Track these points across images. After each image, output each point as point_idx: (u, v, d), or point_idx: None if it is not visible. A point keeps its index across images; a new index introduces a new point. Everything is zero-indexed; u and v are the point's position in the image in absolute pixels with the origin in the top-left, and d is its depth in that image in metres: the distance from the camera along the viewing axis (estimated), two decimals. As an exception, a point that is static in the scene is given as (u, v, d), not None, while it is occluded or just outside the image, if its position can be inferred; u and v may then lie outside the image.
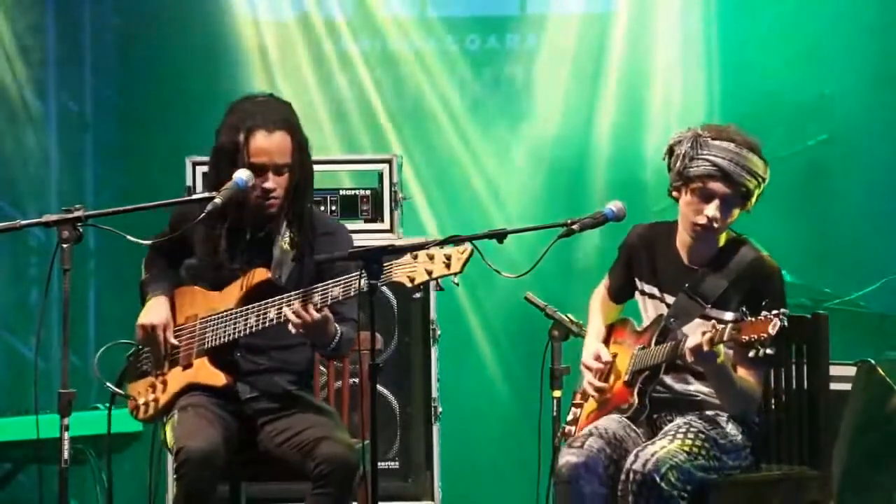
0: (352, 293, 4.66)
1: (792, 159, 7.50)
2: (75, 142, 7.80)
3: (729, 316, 4.69)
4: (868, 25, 7.50)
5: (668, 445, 4.62)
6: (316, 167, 6.33)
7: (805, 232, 7.35)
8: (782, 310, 4.42)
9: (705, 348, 4.53)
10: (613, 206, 4.70)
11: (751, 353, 4.47)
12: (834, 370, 5.22)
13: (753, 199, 4.73)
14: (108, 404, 4.99)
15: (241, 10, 7.91)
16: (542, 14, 7.92)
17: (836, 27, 7.49)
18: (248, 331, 4.80)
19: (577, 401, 5.04)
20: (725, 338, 4.48)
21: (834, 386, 5.22)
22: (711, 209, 4.69)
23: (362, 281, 4.49)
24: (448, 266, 4.47)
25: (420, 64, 7.91)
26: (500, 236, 4.57)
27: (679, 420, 4.77)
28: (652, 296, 4.88)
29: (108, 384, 4.95)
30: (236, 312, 4.83)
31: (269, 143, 4.85)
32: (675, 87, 7.80)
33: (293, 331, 4.71)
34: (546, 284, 6.72)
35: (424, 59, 7.91)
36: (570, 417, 5.03)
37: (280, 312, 4.74)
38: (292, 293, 4.75)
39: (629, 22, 7.83)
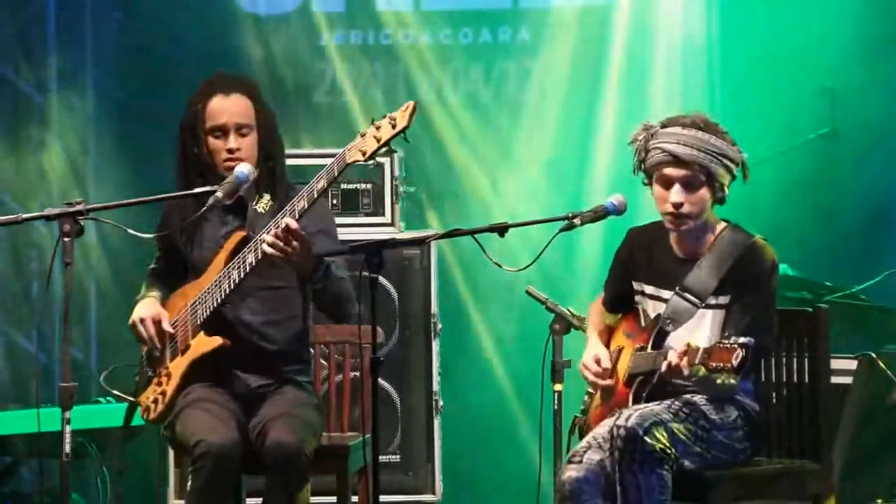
0: (315, 196, 4.65)
1: (793, 153, 7.49)
2: (76, 134, 7.79)
3: (724, 300, 4.70)
4: (870, 17, 7.49)
5: (653, 407, 4.65)
6: (316, 161, 6.37)
7: (806, 225, 7.34)
8: (748, 339, 4.41)
9: (685, 372, 4.55)
10: (615, 199, 4.70)
11: (718, 381, 4.48)
12: (835, 363, 5.22)
13: (724, 179, 4.71)
14: (108, 399, 5.00)
15: (241, 2, 7.91)
16: (542, 7, 7.91)
17: (837, 19, 7.47)
18: (232, 285, 4.78)
19: (590, 389, 5.03)
20: (697, 361, 4.49)
21: (835, 379, 5.22)
22: (674, 194, 4.71)
23: (321, 183, 4.57)
24: (394, 125, 4.51)
25: (417, 56, 7.90)
26: (502, 230, 4.57)
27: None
28: (651, 296, 4.87)
29: (124, 396, 4.96)
30: (218, 277, 4.82)
31: (225, 104, 4.89)
32: (676, 80, 7.79)
33: (269, 250, 4.66)
34: (547, 278, 6.74)
35: (420, 52, 7.90)
36: (583, 406, 5.04)
37: (257, 252, 4.72)
38: (262, 233, 4.73)
39: (629, 15, 7.82)
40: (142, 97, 7.68)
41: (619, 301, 5.00)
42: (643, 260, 4.91)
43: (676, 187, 4.70)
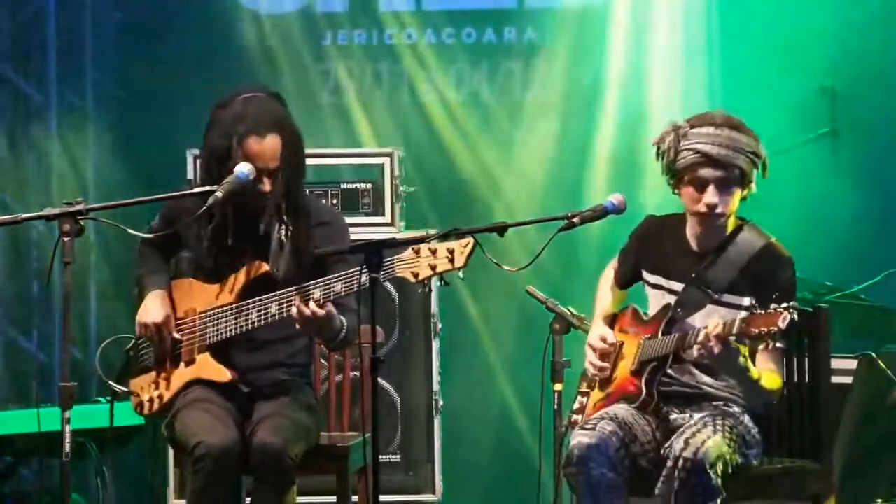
0: (354, 288, 4.66)
1: (793, 152, 7.48)
2: (76, 134, 7.79)
3: (745, 301, 4.67)
4: (870, 16, 7.48)
5: (713, 436, 4.61)
6: (317, 160, 6.36)
7: (806, 225, 7.33)
8: (792, 303, 4.38)
9: (715, 349, 4.51)
10: (614, 198, 4.70)
11: (760, 347, 4.47)
12: (835, 363, 5.22)
13: (753, 177, 4.72)
14: (109, 398, 4.99)
15: (242, 1, 7.91)
16: (549, 7, 7.91)
17: (837, 17, 7.47)
18: (249, 326, 4.80)
19: (584, 389, 5.04)
20: (735, 331, 4.46)
21: (835, 379, 5.22)
22: (708, 195, 4.70)
23: (363, 277, 4.48)
24: (452, 261, 4.45)
25: (420, 57, 7.90)
26: (501, 230, 4.56)
27: (707, 411, 4.76)
28: (658, 286, 4.88)
29: (111, 382, 4.96)
30: (237, 307, 4.82)
31: (260, 149, 4.82)
32: (677, 79, 7.79)
33: (295, 316, 4.70)
34: (547, 278, 6.73)
35: (423, 52, 7.90)
36: (575, 406, 5.03)
37: (281, 307, 4.73)
38: (292, 289, 4.74)
39: (629, 14, 7.82)
40: (142, 97, 7.68)
41: (629, 277, 5.01)
42: (654, 249, 4.91)
43: (711, 188, 4.69)
